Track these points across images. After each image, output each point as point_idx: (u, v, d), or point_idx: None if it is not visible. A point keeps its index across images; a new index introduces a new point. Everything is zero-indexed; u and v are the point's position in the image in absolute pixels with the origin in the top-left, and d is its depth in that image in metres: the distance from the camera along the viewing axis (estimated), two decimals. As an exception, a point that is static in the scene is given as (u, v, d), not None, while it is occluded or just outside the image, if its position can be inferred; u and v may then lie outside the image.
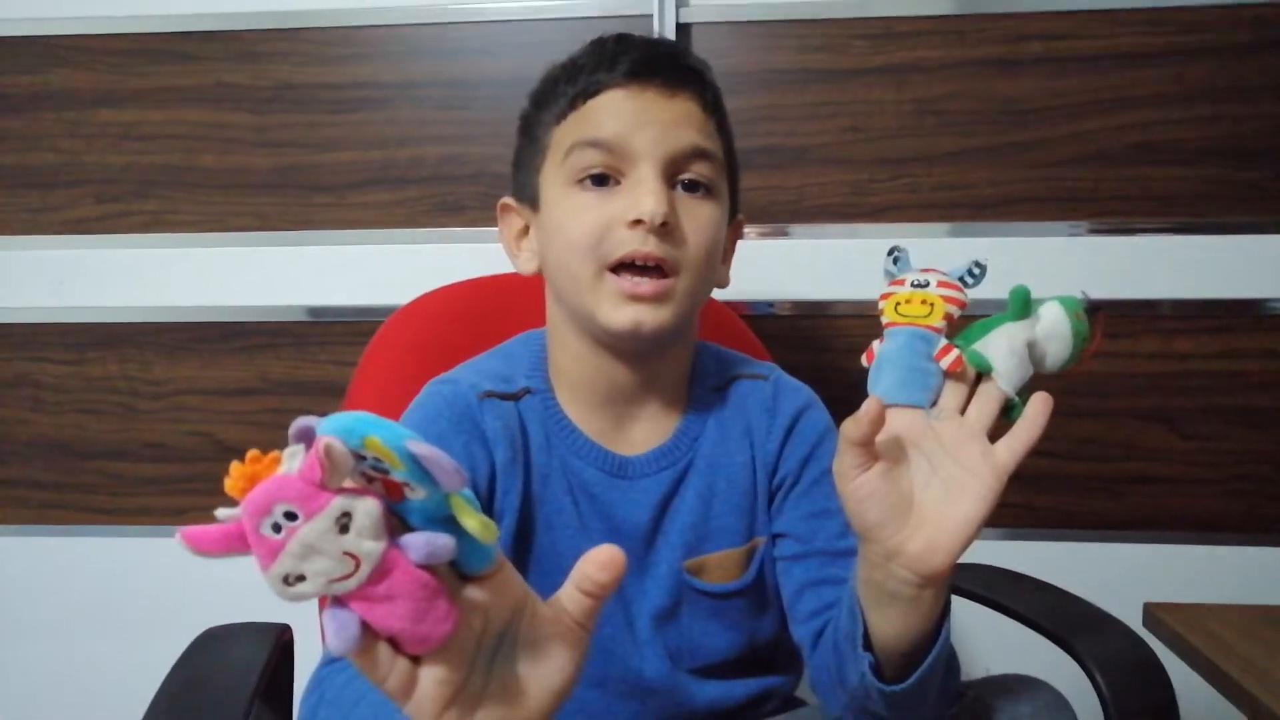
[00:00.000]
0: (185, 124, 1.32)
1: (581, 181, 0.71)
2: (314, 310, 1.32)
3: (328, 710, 0.63)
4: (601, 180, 0.71)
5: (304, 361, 1.33)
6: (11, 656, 1.40)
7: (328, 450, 0.36)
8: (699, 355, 0.82)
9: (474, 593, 0.42)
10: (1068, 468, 1.27)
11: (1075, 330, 0.62)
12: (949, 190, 1.25)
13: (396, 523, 0.40)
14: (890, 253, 0.66)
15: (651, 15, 1.23)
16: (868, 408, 0.55)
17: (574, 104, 0.73)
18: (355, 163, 1.30)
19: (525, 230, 0.79)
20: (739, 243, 0.82)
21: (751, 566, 0.78)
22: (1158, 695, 0.74)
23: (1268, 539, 1.26)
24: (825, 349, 1.28)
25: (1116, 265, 1.24)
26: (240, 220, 1.32)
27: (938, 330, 0.61)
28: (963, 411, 0.60)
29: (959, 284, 0.63)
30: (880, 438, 0.57)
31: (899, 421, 0.59)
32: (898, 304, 0.63)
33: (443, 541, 0.39)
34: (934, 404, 0.60)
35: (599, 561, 0.44)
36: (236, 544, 0.37)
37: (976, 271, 0.63)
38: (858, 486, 0.57)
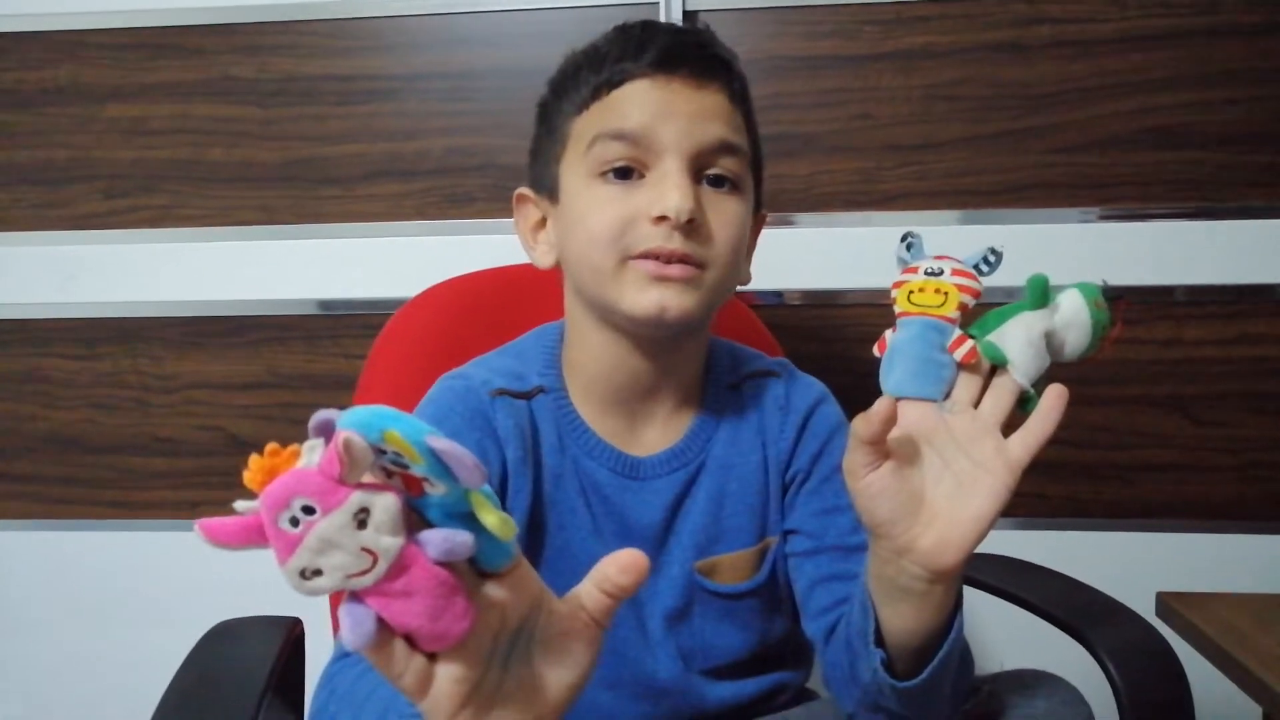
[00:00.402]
0: (192, 118, 1.32)
1: (604, 174, 0.70)
2: (324, 303, 1.32)
3: (339, 704, 0.62)
4: (625, 173, 0.69)
5: (314, 355, 1.33)
6: (24, 650, 1.41)
7: (347, 445, 0.36)
8: (713, 352, 0.81)
9: (492, 590, 0.42)
10: (1080, 455, 1.27)
11: (1095, 319, 0.60)
12: (959, 177, 1.24)
13: (415, 518, 0.40)
14: (904, 239, 0.64)
15: (658, 2, 1.22)
16: (879, 406, 0.55)
17: (597, 93, 0.71)
18: (363, 155, 1.30)
19: (542, 222, 0.77)
20: (753, 234, 0.81)
21: (763, 567, 0.78)
22: (1171, 685, 0.74)
23: (1282, 526, 1.25)
24: (835, 339, 1.27)
25: (1129, 251, 1.23)
26: (248, 214, 1.32)
27: (952, 320, 0.60)
28: (976, 404, 0.59)
29: (974, 272, 0.61)
30: (892, 434, 0.56)
31: (911, 415, 0.58)
32: (911, 292, 0.61)
33: (462, 538, 0.39)
34: (947, 396, 0.59)
35: (622, 564, 0.44)
36: (254, 537, 0.37)
37: (992, 259, 0.62)
38: (868, 484, 0.57)
